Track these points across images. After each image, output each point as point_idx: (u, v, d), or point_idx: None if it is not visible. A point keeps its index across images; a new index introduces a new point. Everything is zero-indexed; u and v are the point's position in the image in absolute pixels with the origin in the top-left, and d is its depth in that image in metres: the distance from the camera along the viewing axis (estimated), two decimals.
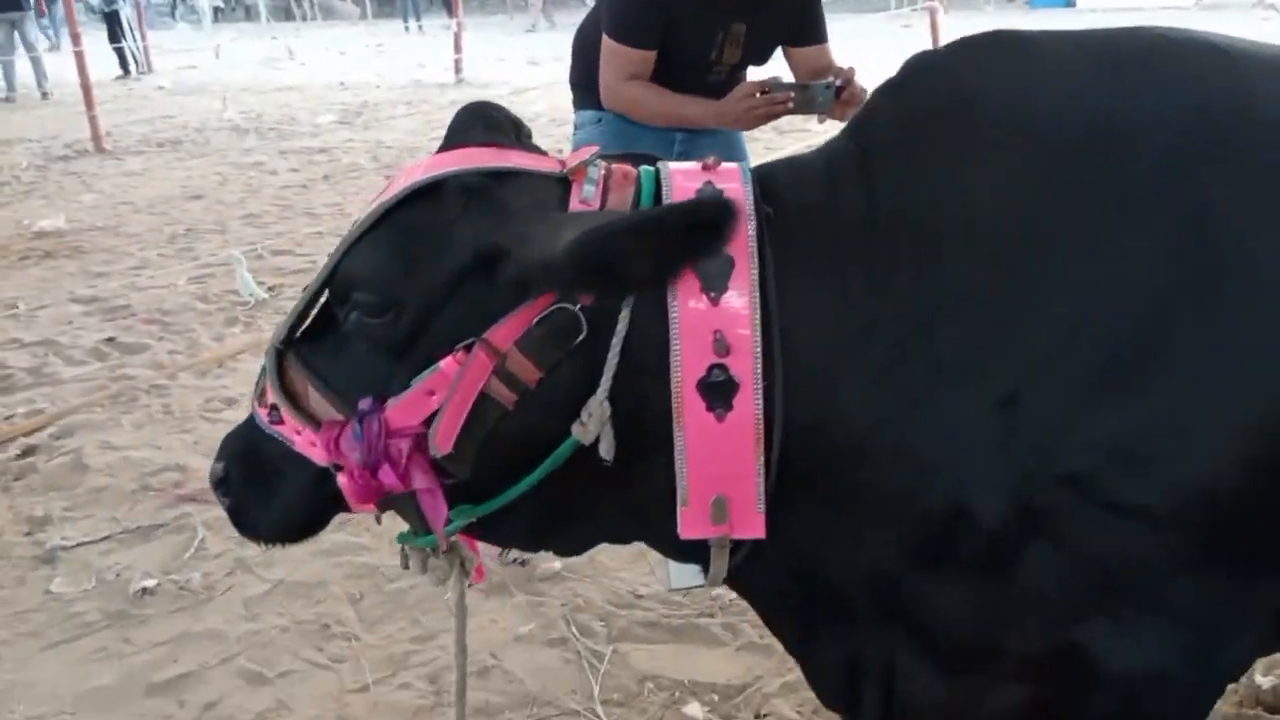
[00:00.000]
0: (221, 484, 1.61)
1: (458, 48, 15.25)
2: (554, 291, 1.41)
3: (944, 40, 12.72)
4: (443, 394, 1.42)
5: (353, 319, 1.48)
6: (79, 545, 3.62)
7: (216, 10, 30.26)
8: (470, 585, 1.74)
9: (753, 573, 1.61)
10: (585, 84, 3.49)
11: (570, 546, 1.70)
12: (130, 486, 4.00)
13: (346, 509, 1.56)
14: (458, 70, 15.24)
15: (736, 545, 1.55)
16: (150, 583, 3.37)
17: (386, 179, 1.61)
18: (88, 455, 4.24)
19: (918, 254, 1.45)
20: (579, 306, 1.41)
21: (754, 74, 3.44)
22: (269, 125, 12.46)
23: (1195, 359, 1.36)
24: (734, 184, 1.50)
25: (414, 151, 10.25)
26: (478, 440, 1.43)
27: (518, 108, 2.09)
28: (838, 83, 3.20)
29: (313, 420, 1.50)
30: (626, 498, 1.56)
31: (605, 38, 3.34)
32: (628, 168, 1.54)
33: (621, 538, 1.71)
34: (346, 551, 3.48)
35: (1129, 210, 1.39)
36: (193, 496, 3.88)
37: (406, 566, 1.65)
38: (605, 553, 3.26)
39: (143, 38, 18.87)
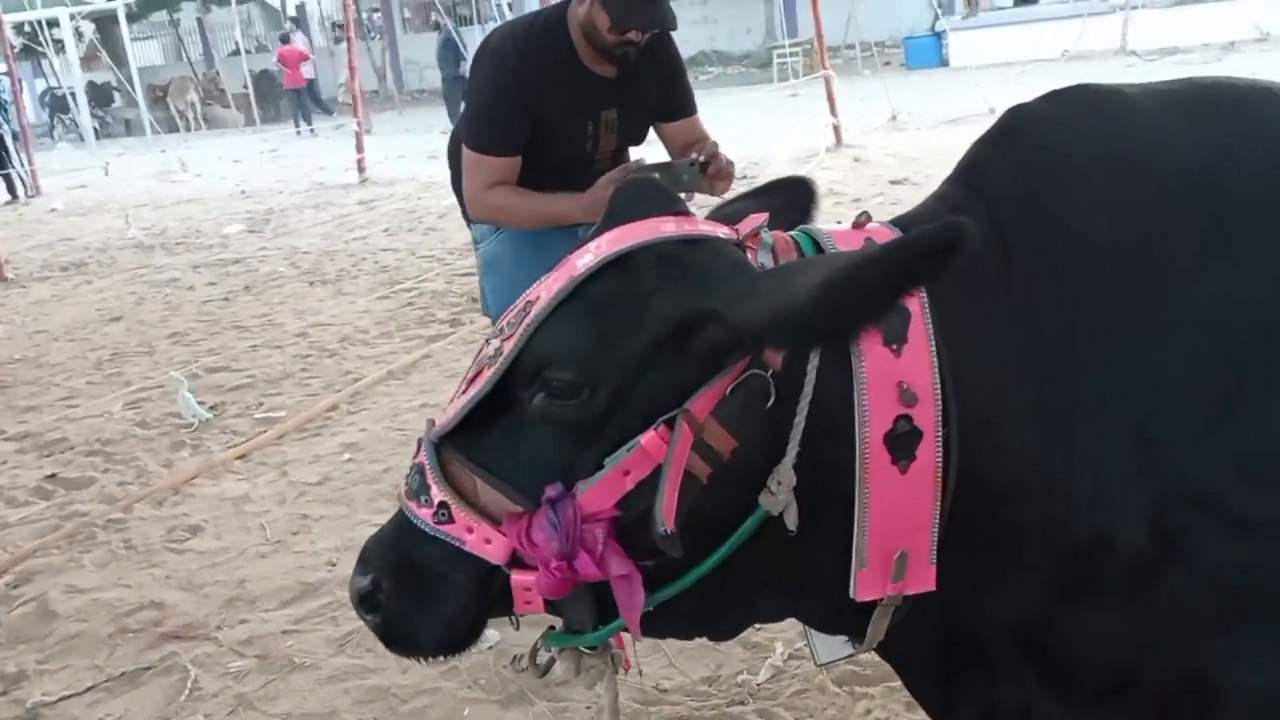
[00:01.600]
0: (367, 599, 1.52)
1: (359, 147, 15.21)
2: (778, 346, 1.38)
3: (840, 104, 13.30)
4: (639, 473, 1.38)
5: (538, 401, 1.43)
6: (62, 699, 3.43)
7: (95, 128, 29.74)
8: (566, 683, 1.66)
9: (904, 630, 1.60)
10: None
11: (727, 630, 1.64)
12: (106, 630, 3.82)
13: (506, 611, 1.50)
14: (361, 169, 15.17)
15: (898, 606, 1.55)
16: None
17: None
18: (53, 601, 4.04)
19: (1049, 294, 1.52)
20: (770, 372, 1.40)
21: (635, 154, 3.53)
22: (175, 240, 12.23)
23: None
24: (890, 237, 1.51)
25: (332, 255, 10.17)
26: (680, 518, 1.37)
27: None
28: (701, 158, 3.27)
29: (487, 515, 1.44)
30: (793, 569, 1.53)
31: (466, 149, 3.38)
32: (787, 235, 1.55)
33: (775, 614, 1.66)
34: (352, 675, 3.37)
35: (1229, 240, 1.49)
36: (176, 634, 3.73)
37: (543, 674, 1.57)
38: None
39: (29, 160, 18.43)
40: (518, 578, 1.44)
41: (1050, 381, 1.52)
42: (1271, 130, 1.58)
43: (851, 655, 1.76)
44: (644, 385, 1.42)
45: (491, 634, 1.68)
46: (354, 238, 10.99)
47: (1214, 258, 1.50)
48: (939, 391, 1.45)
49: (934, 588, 1.51)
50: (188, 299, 9.02)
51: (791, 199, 1.75)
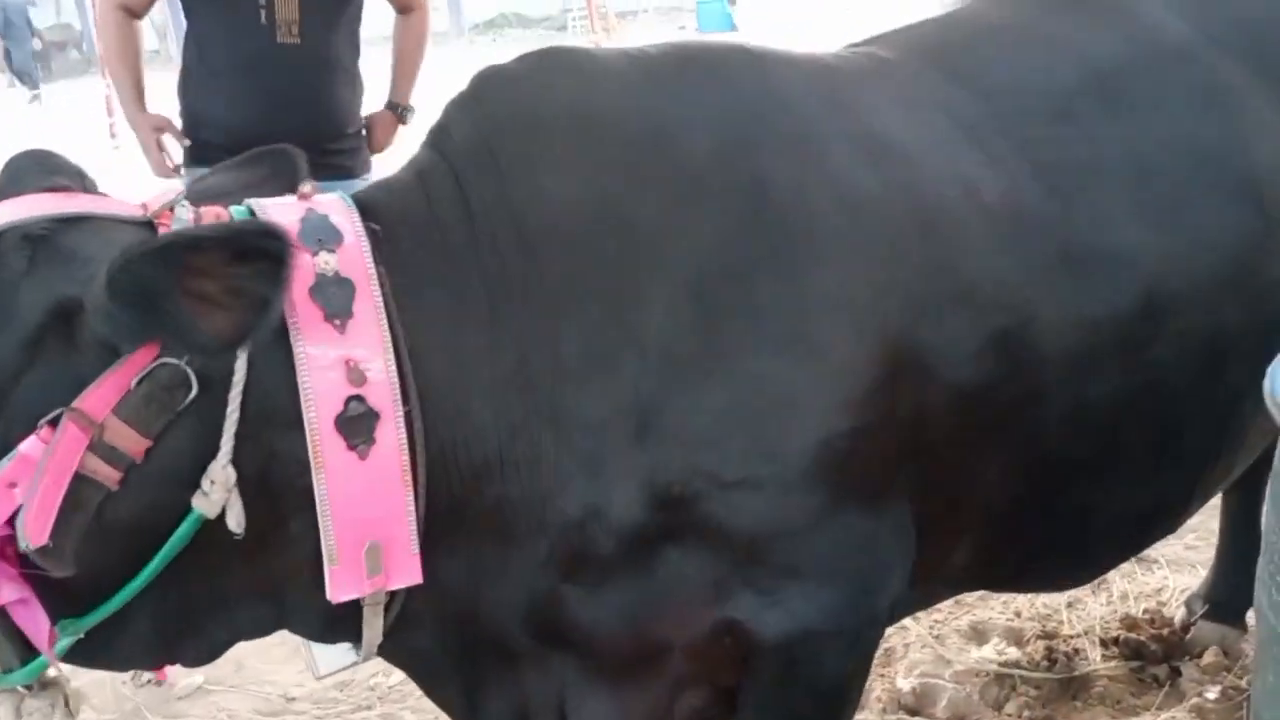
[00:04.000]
0: None
1: (109, 110, 14.22)
2: (134, 341, 1.25)
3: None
4: (27, 483, 1.21)
5: None
6: None
7: None
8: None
9: (407, 631, 1.51)
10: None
11: (204, 651, 1.50)
12: None
13: None
14: (112, 134, 14.22)
15: (389, 604, 1.46)
16: None
17: None
18: None
19: (521, 259, 1.47)
20: (185, 360, 1.26)
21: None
22: None
23: (785, 318, 1.48)
24: (335, 211, 1.43)
25: None
26: (77, 530, 1.23)
27: None
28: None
29: None
30: (263, 575, 1.42)
31: None
32: (219, 208, 1.42)
33: (261, 628, 1.54)
34: None
35: (694, 192, 1.50)
36: None
37: None
38: (253, 655, 3.01)
39: None
40: None
41: (529, 349, 1.46)
42: (733, 91, 1.60)
43: (355, 664, 1.64)
44: (26, 385, 1.26)
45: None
46: None
47: (678, 215, 1.49)
48: (394, 368, 1.37)
49: (420, 579, 1.42)
50: None
51: (278, 169, 1.62)
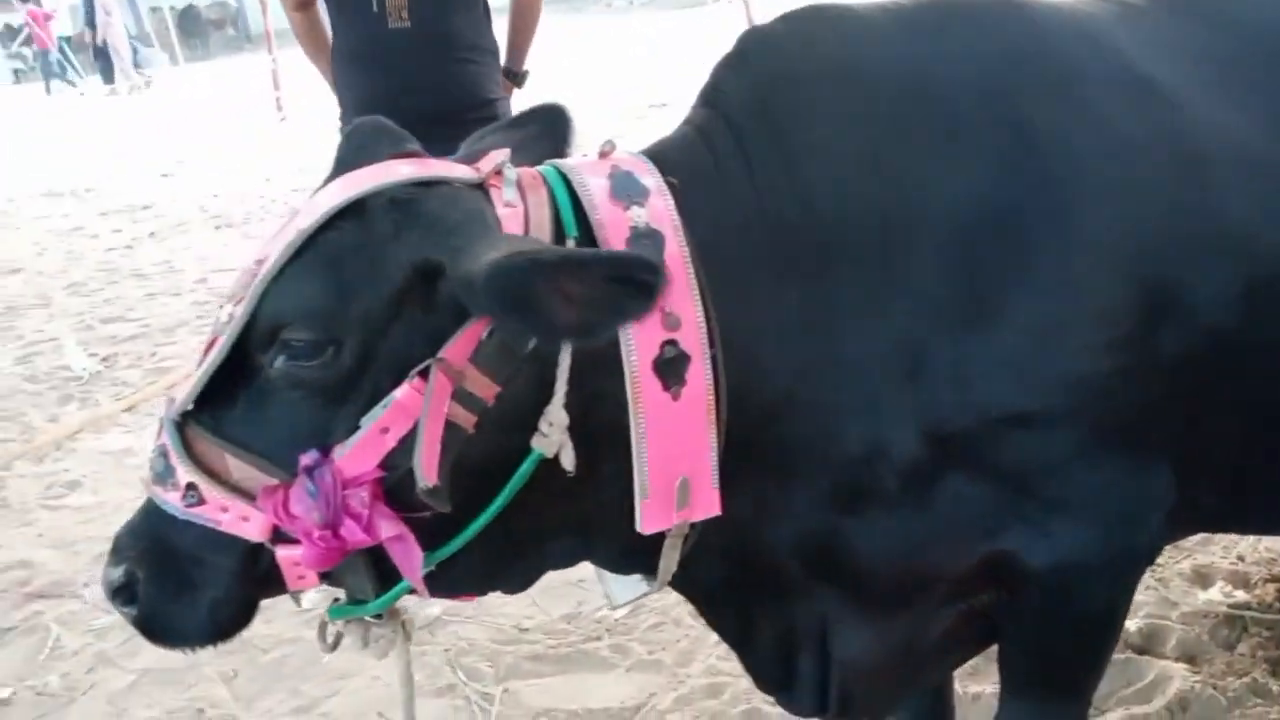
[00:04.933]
0: (122, 591, 1.43)
1: (276, 84, 14.81)
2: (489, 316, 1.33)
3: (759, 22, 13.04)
4: (399, 429, 1.32)
5: (280, 365, 1.36)
6: None
7: (17, 72, 28.83)
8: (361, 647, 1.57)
9: (696, 562, 1.59)
10: None
11: (520, 580, 1.62)
12: None
13: (279, 590, 1.44)
14: (279, 108, 14.79)
15: (685, 536, 1.54)
16: (5, 692, 3.15)
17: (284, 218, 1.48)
18: None
19: (798, 209, 1.54)
20: None
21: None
22: (85, 186, 11.91)
23: (1052, 261, 1.51)
24: (637, 168, 1.50)
25: (243, 197, 9.94)
26: (446, 471, 1.33)
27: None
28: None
29: (241, 493, 1.37)
30: (577, 510, 1.51)
31: None
32: (534, 170, 1.51)
33: (569, 559, 1.65)
34: None
35: (959, 138, 1.55)
36: (42, 593, 3.67)
37: (333, 647, 1.52)
38: None
39: None
40: (284, 554, 1.38)
41: (808, 293, 1.53)
42: (994, 38, 1.63)
43: (647, 594, 1.74)
44: (393, 337, 1.36)
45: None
46: (266, 179, 10.75)
47: (943, 161, 1.54)
48: (702, 313, 1.44)
49: (720, 512, 1.50)
50: (90, 248, 8.80)
51: (547, 128, 1.70)
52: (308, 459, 1.33)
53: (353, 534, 1.33)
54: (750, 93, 1.61)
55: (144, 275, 7.69)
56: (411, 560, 1.36)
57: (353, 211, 1.37)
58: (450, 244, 1.33)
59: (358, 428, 1.34)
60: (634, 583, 1.72)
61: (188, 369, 4.92)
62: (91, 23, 22.68)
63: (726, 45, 1.72)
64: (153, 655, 3.24)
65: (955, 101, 1.57)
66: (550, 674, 2.93)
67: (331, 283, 1.35)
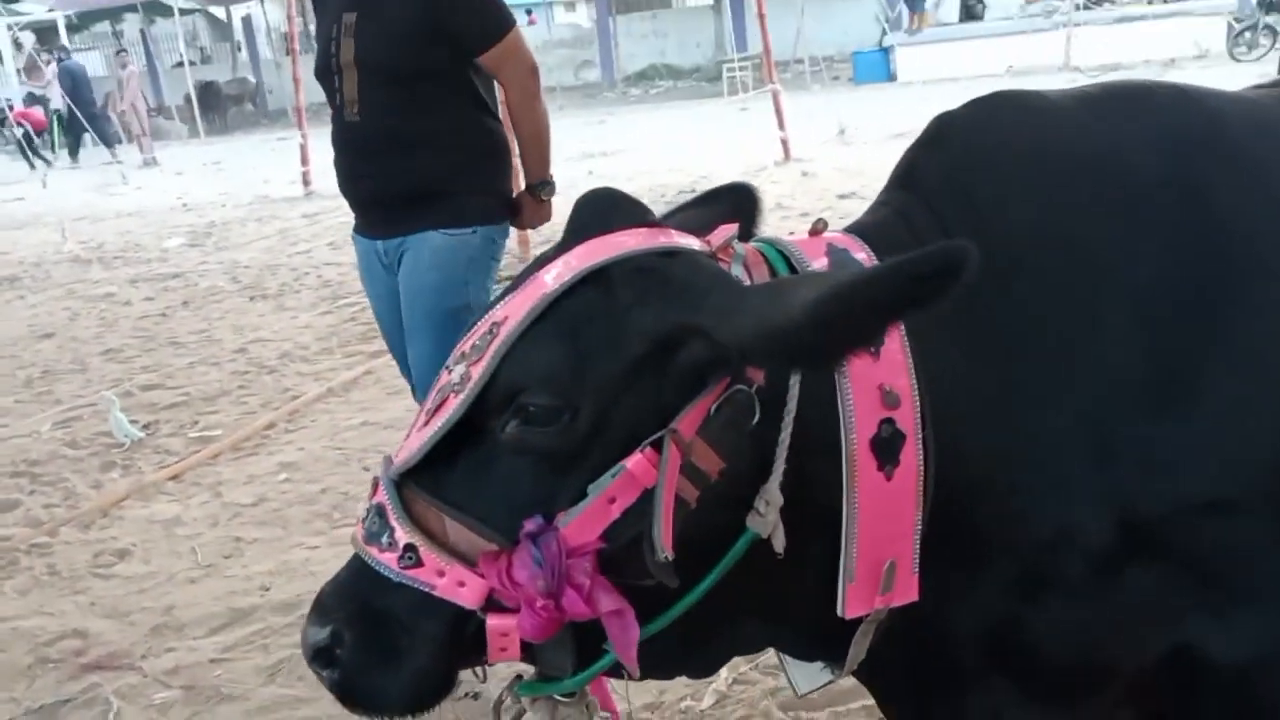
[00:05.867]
0: (324, 653, 1.39)
1: (304, 160, 14.98)
2: (766, 365, 1.32)
3: (787, 117, 13.32)
4: (625, 499, 1.29)
5: (512, 430, 1.34)
6: None
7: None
8: None
9: (880, 649, 1.55)
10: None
11: (708, 665, 1.57)
12: (25, 661, 3.66)
13: (477, 661, 1.39)
14: (306, 183, 14.94)
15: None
16: None
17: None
18: None
19: (994, 288, 1.50)
20: (754, 388, 1.34)
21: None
22: (113, 254, 11.95)
23: (1241, 344, 1.50)
24: (851, 245, 1.51)
25: (274, 269, 9.98)
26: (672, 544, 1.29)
27: None
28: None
29: (459, 556, 1.33)
30: (774, 593, 1.48)
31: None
32: (754, 247, 1.51)
33: (756, 644, 1.60)
34: (283, 706, 3.25)
35: (1144, 217, 1.55)
36: (99, 664, 3.59)
37: None
38: None
39: None
40: (494, 622, 1.34)
41: (1003, 375, 1.51)
42: (1173, 121, 1.65)
43: (831, 681, 1.70)
44: (626, 406, 1.34)
45: None
46: (297, 251, 10.81)
47: (1129, 240, 1.54)
48: (917, 392, 1.43)
49: (917, 597, 1.47)
50: (123, 314, 8.80)
51: (737, 207, 1.70)
52: (532, 525, 1.31)
53: (574, 605, 1.30)
54: (946, 175, 1.62)
55: (181, 343, 7.67)
56: (628, 636, 1.32)
57: (595, 278, 1.37)
58: (704, 308, 1.31)
59: (584, 495, 1.31)
60: (816, 670, 1.68)
61: (232, 438, 4.91)
62: (81, 98, 22.97)
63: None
64: None
65: (1145, 186, 1.57)
66: None
67: (571, 349, 1.34)
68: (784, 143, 13.35)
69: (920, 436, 1.43)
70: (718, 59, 28.59)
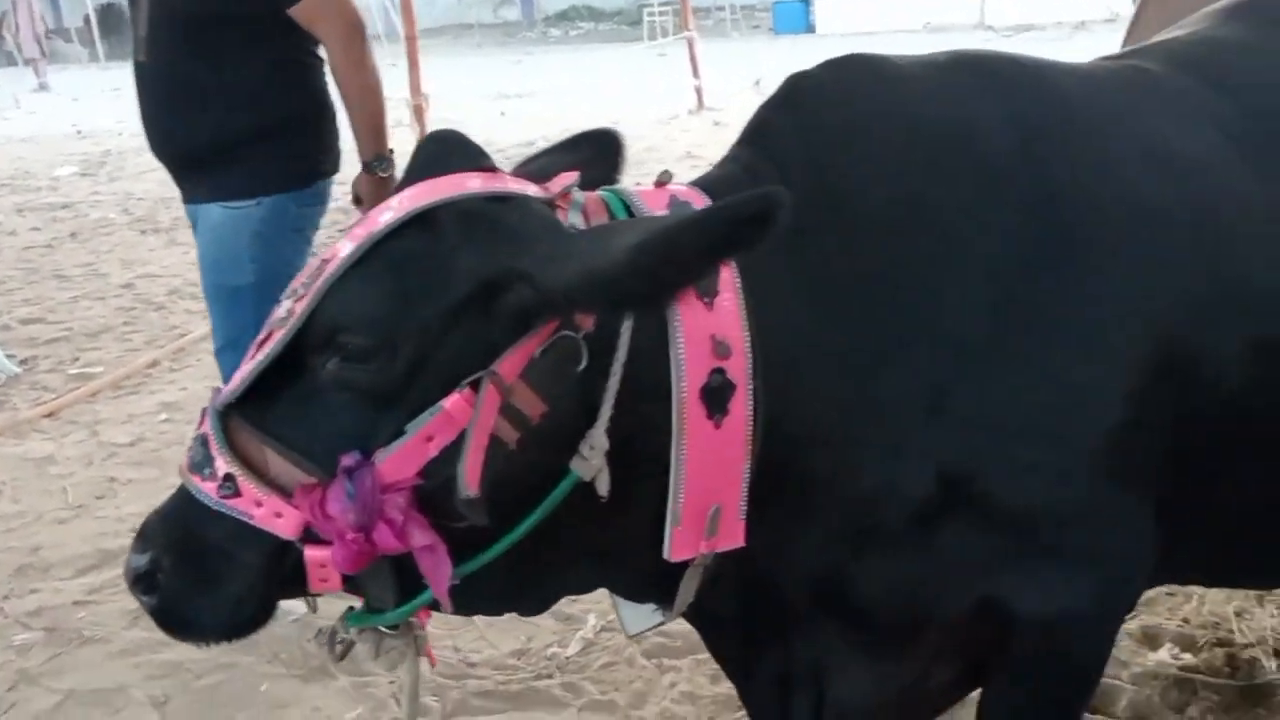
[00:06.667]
0: (144, 579, 1.42)
1: None
2: (590, 310, 1.34)
3: (704, 66, 13.27)
4: (443, 438, 1.32)
5: (332, 367, 1.37)
6: None
7: None
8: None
9: (711, 593, 1.59)
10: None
11: (538, 603, 1.61)
12: None
13: (300, 591, 1.43)
14: None
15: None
16: None
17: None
18: None
19: (839, 249, 1.56)
20: (581, 334, 1.36)
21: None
22: (1, 181, 11.51)
23: (1074, 317, 1.56)
24: (694, 199, 1.52)
25: (168, 202, 9.66)
26: (486, 484, 1.32)
27: None
28: None
29: (279, 488, 1.36)
30: (603, 535, 1.51)
31: None
32: (597, 195, 1.52)
33: (587, 584, 1.64)
34: (144, 650, 3.19)
35: (993, 191, 1.59)
36: None
37: (342, 656, 1.51)
38: (433, 621, 3.12)
39: None
40: (312, 554, 1.38)
41: (844, 332, 1.55)
42: (1023, 99, 1.69)
43: (661, 623, 1.74)
44: (447, 347, 1.36)
45: (295, 606, 1.62)
46: None
47: (977, 213, 1.58)
48: (749, 343, 1.45)
49: (743, 542, 1.51)
50: (7, 245, 8.52)
51: (600, 153, 1.71)
52: (349, 460, 1.33)
53: (385, 539, 1.33)
54: (797, 135, 1.64)
55: (66, 276, 7.45)
56: (440, 571, 1.36)
57: (422, 221, 1.38)
58: (530, 253, 1.33)
59: (402, 433, 1.34)
60: (648, 612, 1.71)
61: (113, 376, 4.79)
62: None
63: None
64: (78, 675, 3.13)
65: (992, 155, 1.61)
66: (500, 711, 2.87)
67: (394, 290, 1.36)
68: (698, 91, 13.31)
69: (751, 387, 1.45)
70: (639, 2, 28.34)
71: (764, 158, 1.65)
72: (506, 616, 3.08)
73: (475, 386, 1.32)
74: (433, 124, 8.02)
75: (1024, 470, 1.56)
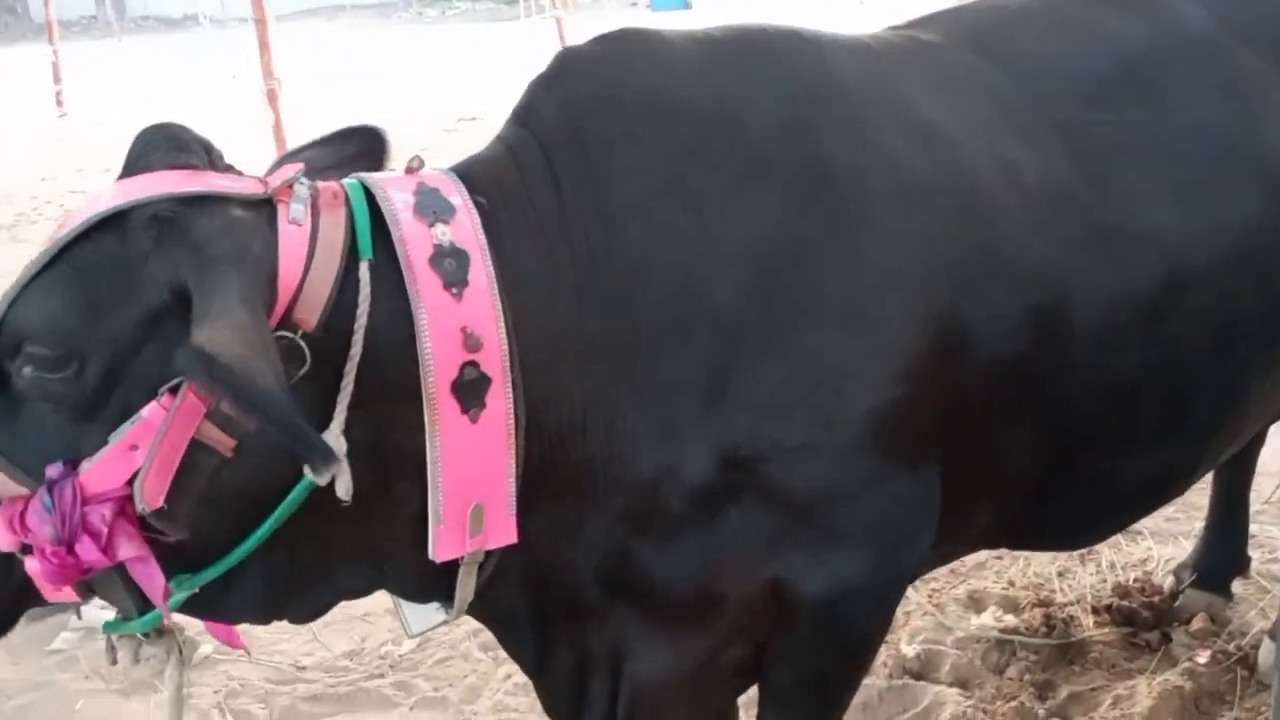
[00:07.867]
0: None
1: (57, 78, 13.90)
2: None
3: (571, 42, 13.09)
4: (148, 447, 1.26)
5: (26, 376, 1.31)
6: None
7: None
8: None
9: (495, 589, 1.58)
10: None
11: (309, 610, 1.56)
12: None
13: (39, 601, 1.39)
14: (59, 103, 13.88)
15: (482, 563, 1.52)
16: None
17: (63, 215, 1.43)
18: None
19: (604, 232, 1.54)
20: (300, 334, 1.31)
21: None
22: None
23: (843, 295, 1.55)
24: (444, 185, 1.49)
25: (11, 197, 9.29)
26: (194, 494, 1.29)
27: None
28: None
29: None
30: (367, 537, 1.48)
31: None
32: (335, 185, 1.47)
33: (362, 587, 1.60)
34: None
35: (760, 171, 1.58)
36: None
37: (114, 662, 1.49)
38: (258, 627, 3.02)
39: None
40: (30, 565, 1.33)
41: (611, 317, 1.53)
42: (793, 75, 1.67)
43: (444, 622, 1.71)
44: (146, 355, 1.32)
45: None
46: (40, 178, 10.08)
47: (744, 192, 1.56)
48: (505, 335, 1.42)
49: (516, 539, 1.48)
50: None
51: (366, 147, 1.68)
52: (53, 471, 1.29)
53: (88, 552, 1.29)
54: (563, 114, 1.60)
55: None
56: (153, 582, 1.32)
57: (114, 224, 1.33)
58: (201, 279, 1.29)
59: (106, 444, 1.29)
60: (431, 611, 1.67)
61: None
62: None
63: (539, 59, 1.70)
64: None
65: (759, 134, 1.59)
66: (328, 715, 2.80)
67: (78, 299, 1.32)
68: None
69: (509, 380, 1.42)
70: None
71: (530, 137, 1.61)
72: (343, 617, 3.05)
73: (176, 392, 1.27)
74: (287, 109, 7.80)
75: (797, 451, 1.56)
